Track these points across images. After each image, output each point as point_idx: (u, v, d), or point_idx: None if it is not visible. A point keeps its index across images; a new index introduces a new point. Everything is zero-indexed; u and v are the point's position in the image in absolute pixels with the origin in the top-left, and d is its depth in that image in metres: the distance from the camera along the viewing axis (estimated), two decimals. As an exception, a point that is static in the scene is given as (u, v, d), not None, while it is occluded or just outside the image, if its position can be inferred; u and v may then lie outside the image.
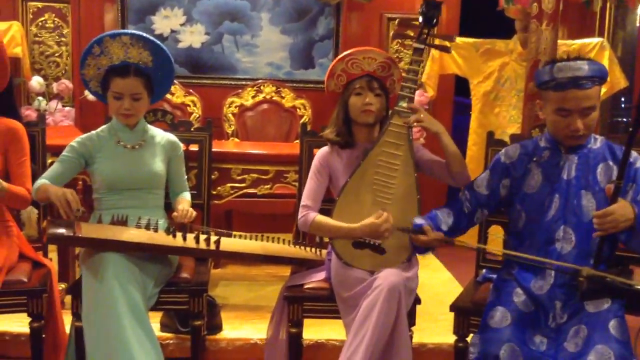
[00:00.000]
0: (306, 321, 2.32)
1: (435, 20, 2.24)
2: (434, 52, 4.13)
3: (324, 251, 2.42)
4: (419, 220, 2.12)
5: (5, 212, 2.33)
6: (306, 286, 2.30)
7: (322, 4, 4.48)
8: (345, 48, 4.43)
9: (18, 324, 2.66)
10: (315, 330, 2.67)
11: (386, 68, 2.29)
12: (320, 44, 4.60)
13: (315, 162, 2.35)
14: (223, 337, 2.72)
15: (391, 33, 4.61)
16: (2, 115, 2.33)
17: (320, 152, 2.36)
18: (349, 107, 2.28)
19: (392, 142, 2.19)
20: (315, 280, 2.32)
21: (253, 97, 4.33)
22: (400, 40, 4.61)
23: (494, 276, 2.22)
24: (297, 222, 2.30)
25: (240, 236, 2.38)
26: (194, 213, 2.32)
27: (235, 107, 4.31)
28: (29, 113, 4.10)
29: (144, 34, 2.31)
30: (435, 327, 2.83)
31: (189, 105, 4.32)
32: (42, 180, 2.21)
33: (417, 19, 2.28)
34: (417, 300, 2.24)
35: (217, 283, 3.42)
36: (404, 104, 2.19)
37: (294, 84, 4.48)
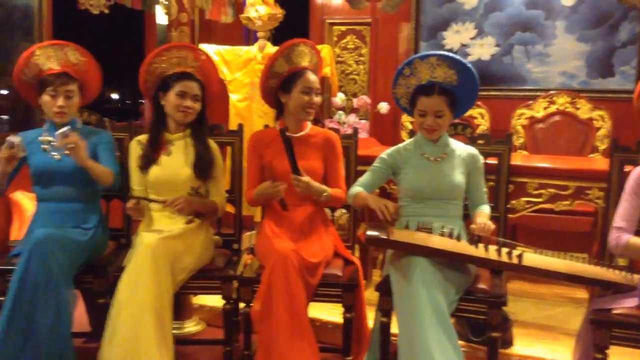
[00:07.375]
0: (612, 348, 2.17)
1: None
2: None
3: (636, 276, 2.23)
4: None
5: (325, 213, 2.67)
6: (615, 311, 2.14)
7: (626, 8, 4.11)
8: (654, 54, 4.03)
9: (325, 313, 3.00)
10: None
11: None
12: (622, 50, 4.23)
13: (630, 181, 2.19)
14: (515, 352, 2.70)
15: None
16: None
17: (637, 171, 2.19)
18: None
19: None
20: (625, 306, 2.15)
21: (545, 108, 4.19)
22: None
23: None
24: (608, 244, 2.17)
25: (540, 252, 2.33)
26: (493, 226, 2.34)
27: (525, 119, 4.22)
28: (332, 126, 4.59)
29: (451, 54, 2.40)
30: None
31: (476, 118, 4.36)
32: (357, 188, 2.49)
33: None
34: None
35: (504, 297, 3.38)
36: None
37: (591, 94, 4.20)
